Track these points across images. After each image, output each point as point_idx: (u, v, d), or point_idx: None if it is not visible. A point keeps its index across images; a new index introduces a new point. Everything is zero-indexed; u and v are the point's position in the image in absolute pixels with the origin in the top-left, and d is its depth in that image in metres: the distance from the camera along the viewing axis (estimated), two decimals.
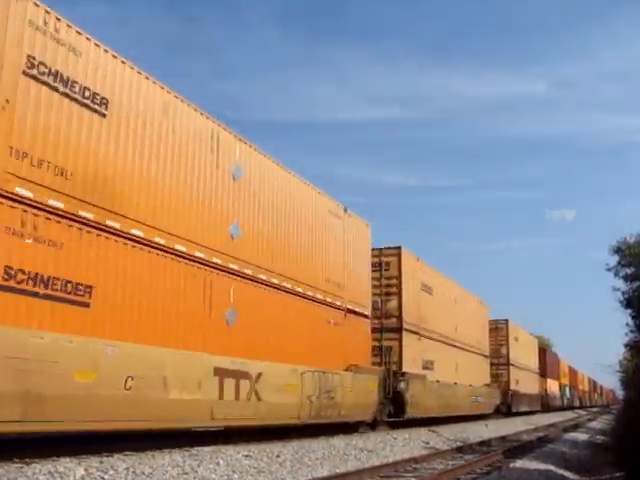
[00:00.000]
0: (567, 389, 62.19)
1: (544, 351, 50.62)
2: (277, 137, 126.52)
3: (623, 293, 24.60)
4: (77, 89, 8.72)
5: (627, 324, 23.05)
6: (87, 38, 8.98)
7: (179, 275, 10.28)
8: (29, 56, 8.03)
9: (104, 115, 9.11)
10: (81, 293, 8.37)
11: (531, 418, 35.94)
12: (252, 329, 12.11)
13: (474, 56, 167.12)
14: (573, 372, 69.92)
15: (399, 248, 20.71)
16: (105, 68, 9.22)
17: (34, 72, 8.08)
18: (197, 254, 10.81)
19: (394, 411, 18.91)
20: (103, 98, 9.12)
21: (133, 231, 9.41)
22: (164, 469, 8.56)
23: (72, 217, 8.43)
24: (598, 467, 13.55)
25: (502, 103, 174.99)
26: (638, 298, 22.82)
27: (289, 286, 13.69)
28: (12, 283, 7.49)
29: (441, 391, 22.59)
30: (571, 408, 62.15)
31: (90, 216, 8.72)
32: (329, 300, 15.55)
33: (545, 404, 46.76)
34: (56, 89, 8.38)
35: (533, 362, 43.90)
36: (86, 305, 8.45)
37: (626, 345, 25.08)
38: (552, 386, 51.63)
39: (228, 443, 11.61)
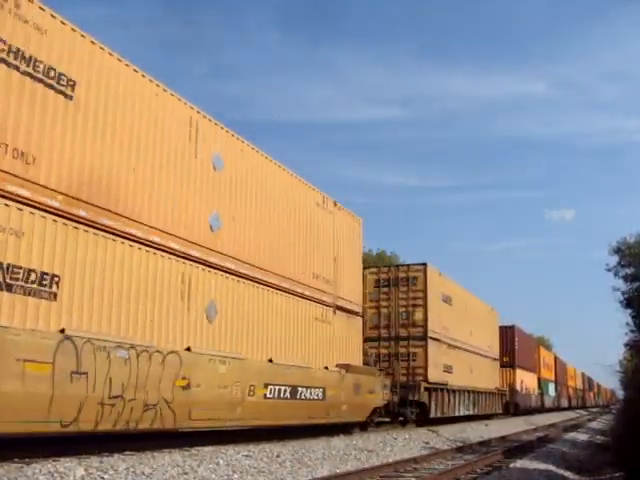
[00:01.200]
0: (550, 386, 49.68)
1: (512, 331, 36.99)
2: (278, 137, 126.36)
3: (623, 293, 24.72)
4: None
5: (627, 324, 23.13)
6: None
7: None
8: None
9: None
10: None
11: (531, 418, 35.90)
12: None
13: (474, 56, 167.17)
14: (561, 365, 57.99)
15: None
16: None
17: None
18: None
19: None
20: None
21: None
22: (164, 469, 8.56)
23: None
24: (598, 467, 13.56)
25: (502, 103, 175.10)
26: (638, 298, 22.87)
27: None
28: None
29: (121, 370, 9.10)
30: (557, 410, 51.48)
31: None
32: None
33: (512, 404, 35.62)
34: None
35: (487, 343, 30.24)
36: None
37: (626, 345, 25.15)
38: (525, 381, 38.94)
39: (228, 443, 11.62)
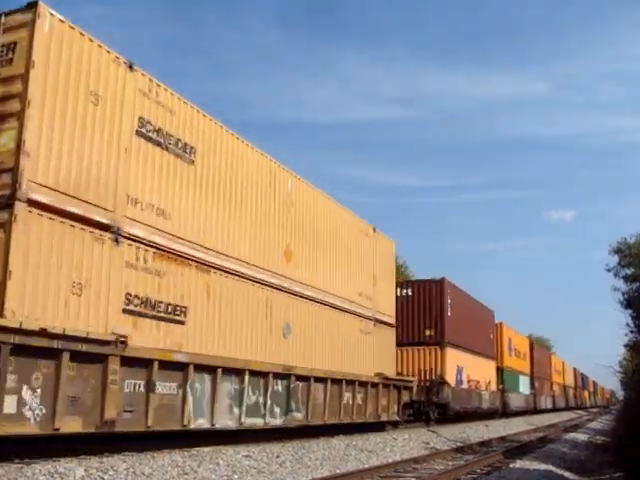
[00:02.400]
0: (522, 380, 37.40)
1: (439, 287, 23.72)
2: (278, 137, 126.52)
3: (623, 293, 24.64)
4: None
5: (627, 324, 23.05)
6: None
7: None
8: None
9: None
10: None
11: (531, 418, 35.88)
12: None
13: (474, 56, 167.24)
14: (542, 354, 46.39)
15: None
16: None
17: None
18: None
19: None
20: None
21: None
22: (164, 469, 8.57)
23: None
24: (598, 467, 13.56)
25: (502, 103, 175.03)
26: (638, 298, 22.82)
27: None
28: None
29: None
30: (534, 412, 39.88)
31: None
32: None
33: (433, 405, 22.15)
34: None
35: (357, 289, 16.95)
36: None
37: (626, 345, 25.10)
38: (470, 369, 25.84)
39: (228, 443, 11.61)
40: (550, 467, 12.74)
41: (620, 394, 45.09)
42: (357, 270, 17.15)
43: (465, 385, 25.56)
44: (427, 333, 23.31)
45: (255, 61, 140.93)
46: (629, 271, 25.44)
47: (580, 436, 24.60)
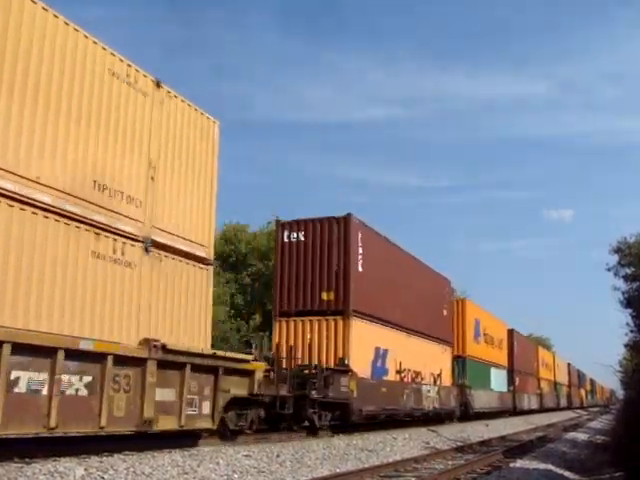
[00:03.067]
0: (495, 374, 30.87)
1: (343, 227, 16.01)
2: (278, 137, 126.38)
3: (623, 293, 24.64)
4: None
5: (627, 324, 23.07)
6: None
7: None
8: None
9: None
10: None
11: (530, 417, 35.88)
12: None
13: (474, 57, 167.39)
14: (525, 345, 39.58)
15: None
16: None
17: None
18: None
19: None
20: None
21: None
22: (164, 469, 8.56)
23: None
24: (598, 466, 13.57)
25: (502, 103, 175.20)
26: (638, 298, 22.82)
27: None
28: None
29: None
30: (514, 413, 33.97)
31: None
32: None
33: (337, 405, 14.84)
34: None
35: (122, 187, 9.48)
36: None
37: (626, 345, 25.11)
38: (401, 356, 18.56)
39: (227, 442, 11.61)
40: (550, 466, 12.75)
41: (620, 393, 45.04)
42: (103, 144, 9.28)
43: (392, 376, 18.12)
44: (324, 297, 15.84)
45: (256, 61, 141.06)
46: (629, 270, 25.43)
47: (580, 435, 24.60)
